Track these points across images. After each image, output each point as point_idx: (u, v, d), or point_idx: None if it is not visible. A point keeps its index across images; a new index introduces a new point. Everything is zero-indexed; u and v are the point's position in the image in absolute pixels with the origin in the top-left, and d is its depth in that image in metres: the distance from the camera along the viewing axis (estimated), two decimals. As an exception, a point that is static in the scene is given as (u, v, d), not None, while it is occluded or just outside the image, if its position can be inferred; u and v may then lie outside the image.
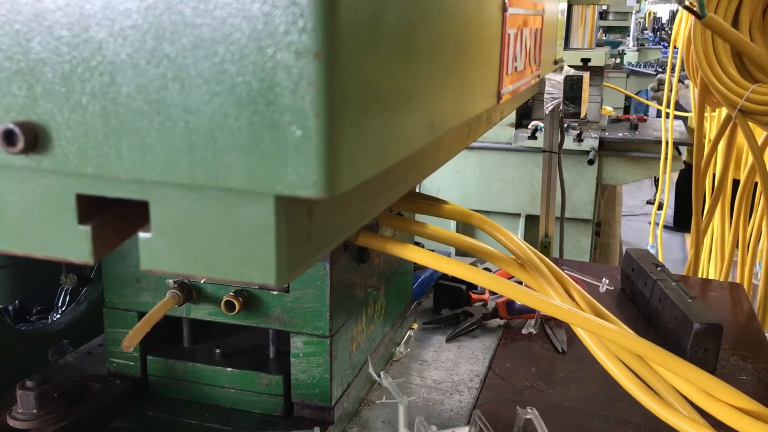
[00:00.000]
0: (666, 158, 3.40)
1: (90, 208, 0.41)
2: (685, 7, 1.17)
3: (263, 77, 0.34)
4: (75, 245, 0.41)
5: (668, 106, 3.53)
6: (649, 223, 4.14)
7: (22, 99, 0.38)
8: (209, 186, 0.37)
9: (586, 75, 1.61)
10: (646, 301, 1.34)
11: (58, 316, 1.18)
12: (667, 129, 3.45)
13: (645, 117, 4.08)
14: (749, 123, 1.83)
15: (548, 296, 0.92)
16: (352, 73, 0.36)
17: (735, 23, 1.72)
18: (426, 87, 0.50)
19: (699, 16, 1.16)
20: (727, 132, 2.06)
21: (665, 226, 6.01)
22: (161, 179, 0.37)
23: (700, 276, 2.74)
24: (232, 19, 0.34)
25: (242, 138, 0.35)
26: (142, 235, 0.40)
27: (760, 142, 2.02)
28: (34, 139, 0.38)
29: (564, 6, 1.38)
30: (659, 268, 1.38)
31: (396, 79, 0.43)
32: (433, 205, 1.00)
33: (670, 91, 3.56)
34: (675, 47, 3.43)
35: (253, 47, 0.34)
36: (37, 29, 0.37)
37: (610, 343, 0.91)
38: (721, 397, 0.86)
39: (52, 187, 0.41)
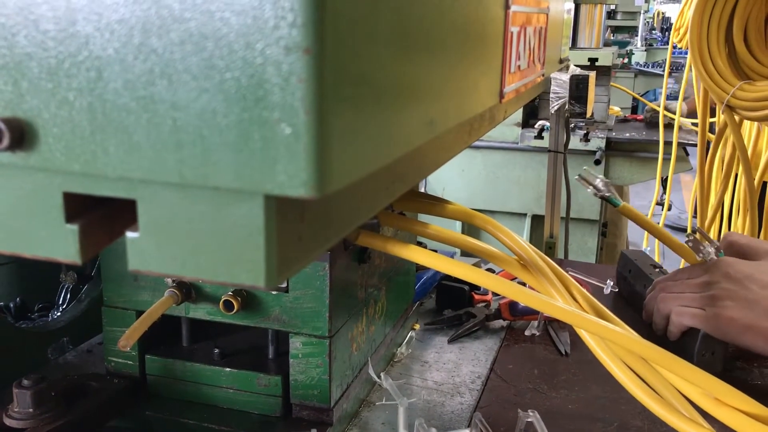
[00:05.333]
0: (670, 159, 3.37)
1: (77, 207, 0.40)
2: (602, 197, 1.21)
3: (252, 73, 0.33)
4: (62, 244, 0.40)
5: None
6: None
7: (7, 94, 0.37)
8: (197, 185, 0.36)
9: (592, 74, 1.59)
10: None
11: (59, 313, 1.18)
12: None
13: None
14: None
15: (551, 297, 0.91)
16: (344, 69, 0.35)
17: (730, 24, 1.72)
18: (424, 84, 0.49)
19: (614, 205, 1.21)
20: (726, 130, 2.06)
21: (669, 227, 5.98)
22: (149, 177, 0.36)
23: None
24: (221, 14, 0.33)
25: (231, 136, 0.34)
26: (129, 234, 0.39)
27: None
28: (20, 135, 0.37)
29: (571, 5, 1.37)
30: (658, 270, 1.36)
31: (392, 75, 0.42)
32: (435, 204, 0.98)
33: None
34: (675, 46, 3.40)
35: (242, 42, 0.33)
36: (23, 23, 0.36)
37: (614, 346, 0.90)
38: (729, 402, 0.84)
39: (39, 184, 0.40)
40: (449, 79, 0.55)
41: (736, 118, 1.81)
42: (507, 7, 0.71)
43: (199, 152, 0.35)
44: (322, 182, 0.34)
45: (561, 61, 1.31)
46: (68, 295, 1.22)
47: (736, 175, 2.43)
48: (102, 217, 0.41)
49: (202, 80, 0.34)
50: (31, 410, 0.80)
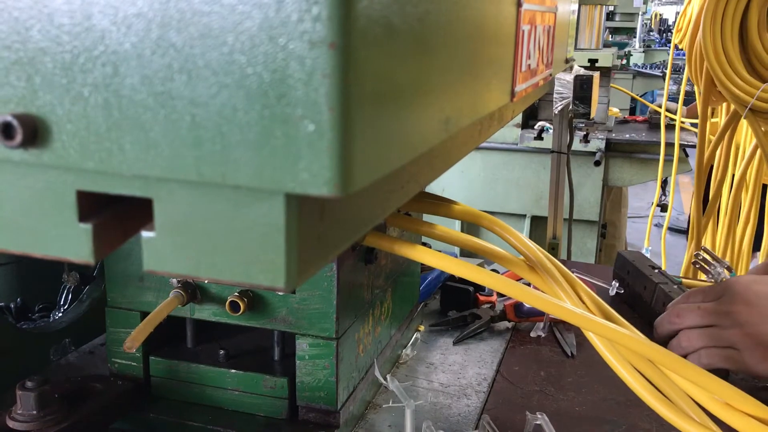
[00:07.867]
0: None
1: (91, 206, 0.39)
2: None
3: (275, 68, 0.32)
4: (75, 244, 0.39)
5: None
6: (656, 225, 4.11)
7: (20, 90, 0.36)
8: (216, 183, 0.35)
9: (597, 75, 1.59)
10: (647, 306, 1.31)
11: (60, 314, 1.17)
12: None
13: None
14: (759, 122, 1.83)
15: (558, 299, 0.90)
16: (368, 65, 0.34)
17: (744, 21, 1.71)
18: (442, 81, 0.48)
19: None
20: (728, 131, 2.06)
21: (668, 228, 5.99)
22: (166, 176, 0.35)
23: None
24: (243, 7, 0.32)
25: (252, 133, 0.33)
26: (145, 234, 0.38)
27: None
28: (33, 132, 0.36)
29: (576, 6, 1.36)
30: (657, 271, 1.35)
31: (412, 72, 0.41)
32: (441, 205, 0.98)
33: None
34: (677, 48, 3.39)
35: (264, 36, 0.32)
36: (36, 17, 0.36)
37: (622, 348, 0.89)
38: (737, 406, 0.84)
39: (52, 183, 0.39)
40: (464, 76, 0.55)
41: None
42: (519, 4, 0.70)
43: (219, 150, 0.34)
44: (345, 181, 0.33)
45: (567, 61, 1.31)
46: (69, 296, 1.20)
47: (733, 176, 2.44)
48: (115, 216, 0.40)
49: (223, 76, 0.33)
50: (34, 412, 0.79)
